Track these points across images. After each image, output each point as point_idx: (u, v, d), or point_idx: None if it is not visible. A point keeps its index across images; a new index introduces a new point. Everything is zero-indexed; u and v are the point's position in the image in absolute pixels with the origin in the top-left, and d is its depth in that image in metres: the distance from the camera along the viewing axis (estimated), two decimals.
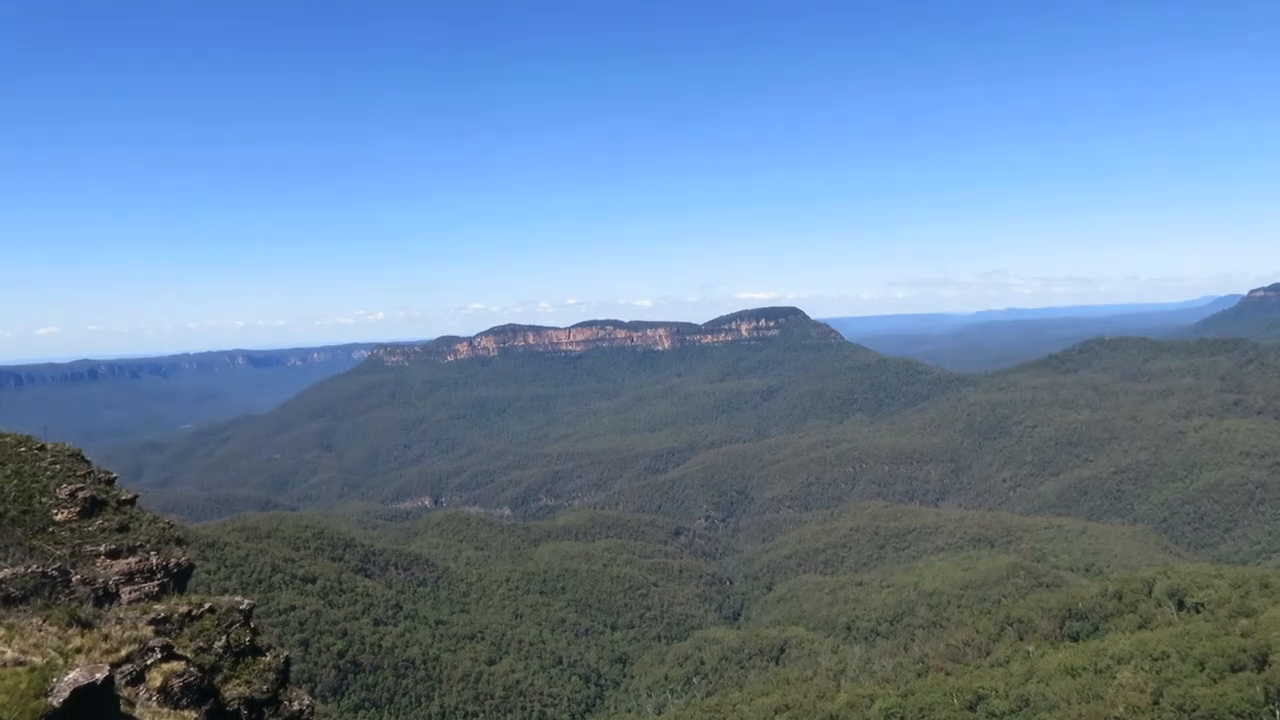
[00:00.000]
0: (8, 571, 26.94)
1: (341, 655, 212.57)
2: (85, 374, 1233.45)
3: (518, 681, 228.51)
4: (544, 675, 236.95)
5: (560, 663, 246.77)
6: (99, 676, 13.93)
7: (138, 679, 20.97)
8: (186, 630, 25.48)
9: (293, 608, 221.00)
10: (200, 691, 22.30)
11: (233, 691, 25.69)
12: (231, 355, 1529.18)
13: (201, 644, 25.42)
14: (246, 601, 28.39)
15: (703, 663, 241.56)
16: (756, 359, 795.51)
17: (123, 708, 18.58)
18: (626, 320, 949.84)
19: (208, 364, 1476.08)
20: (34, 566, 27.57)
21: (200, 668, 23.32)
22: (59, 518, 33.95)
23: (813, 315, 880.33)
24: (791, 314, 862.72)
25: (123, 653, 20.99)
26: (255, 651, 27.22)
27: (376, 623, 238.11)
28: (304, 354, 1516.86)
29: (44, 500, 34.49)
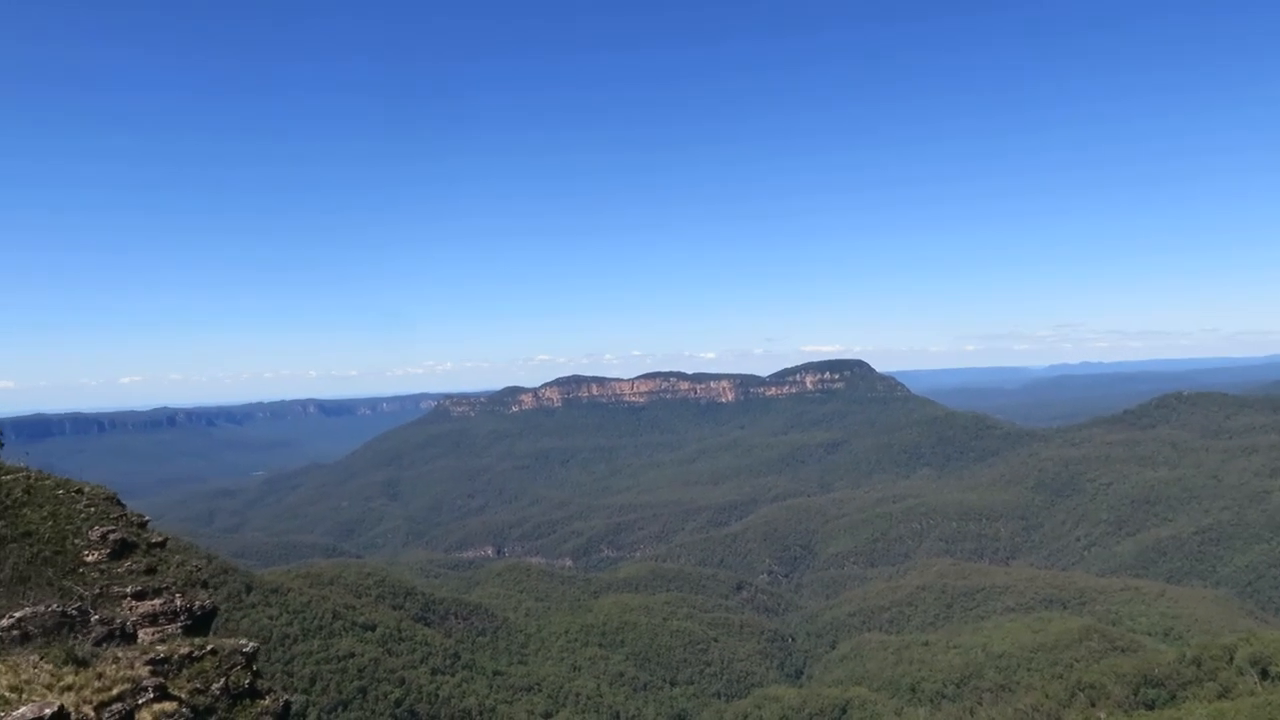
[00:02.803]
0: (28, 610, 27.57)
1: (398, 704, 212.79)
2: (164, 421, 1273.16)
3: None
4: None
5: (617, 717, 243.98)
6: (47, 712, 14.19)
7: (127, 718, 21.25)
8: (185, 671, 25.78)
9: (351, 654, 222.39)
10: None
11: None
12: (304, 404, 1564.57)
13: (198, 685, 25.69)
14: (251, 644, 28.63)
15: None
16: (821, 412, 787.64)
17: None
18: (690, 372, 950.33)
19: (281, 413, 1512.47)
20: (54, 606, 28.18)
21: (194, 709, 23.53)
22: (89, 559, 34.81)
23: (879, 368, 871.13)
24: (857, 366, 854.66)
25: (114, 691, 21.28)
26: (255, 694, 27.41)
27: (434, 672, 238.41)
28: (373, 403, 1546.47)
29: (76, 541, 35.41)
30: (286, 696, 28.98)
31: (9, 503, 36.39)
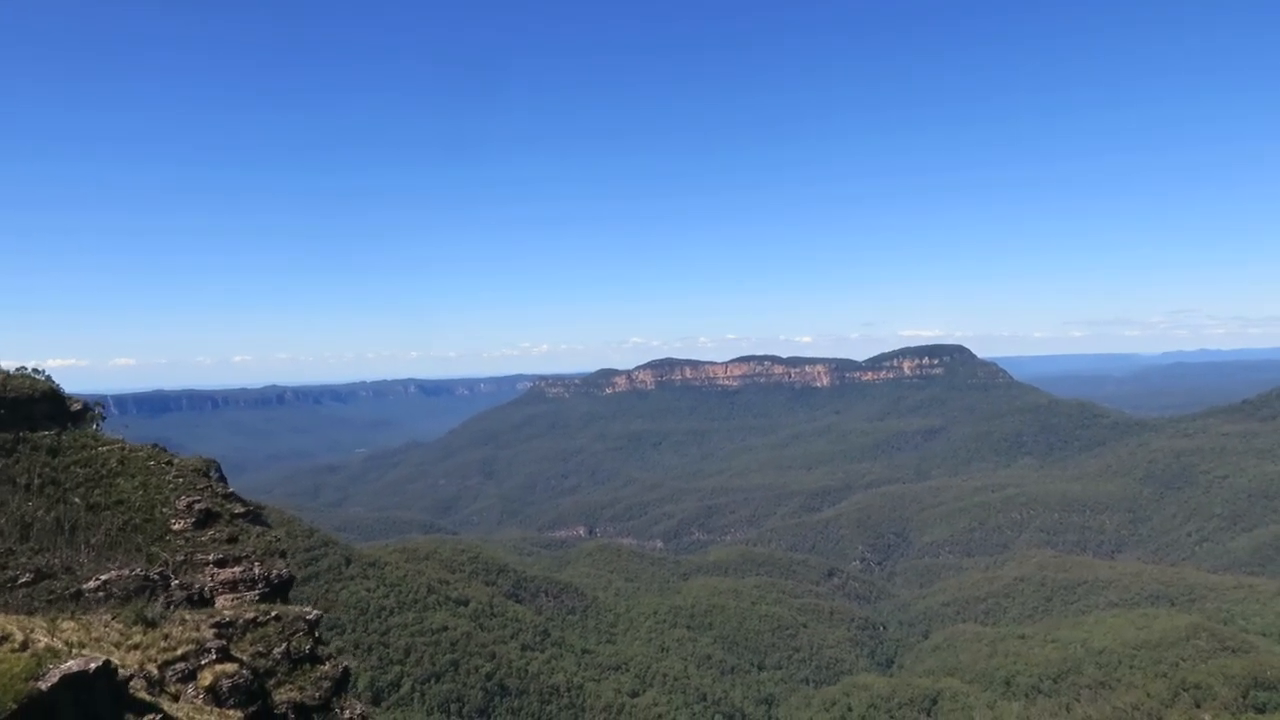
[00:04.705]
0: (114, 573, 29.23)
1: (489, 678, 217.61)
2: (273, 399, 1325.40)
3: (660, 716, 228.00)
4: (687, 711, 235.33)
5: (704, 699, 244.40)
6: (92, 666, 15.00)
7: (189, 677, 22.39)
8: (249, 635, 27.01)
9: (445, 628, 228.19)
10: (249, 693, 23.57)
11: (283, 696, 27.00)
12: (404, 384, 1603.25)
13: (260, 649, 26.91)
14: (314, 612, 29.74)
15: (850, 709, 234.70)
16: (919, 398, 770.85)
17: (167, 704, 19.87)
18: (784, 356, 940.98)
19: (383, 392, 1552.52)
20: (138, 570, 29.78)
21: (254, 671, 24.64)
22: (176, 527, 36.63)
23: (980, 354, 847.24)
24: (957, 352, 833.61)
25: (178, 651, 22.48)
26: (315, 660, 28.50)
27: (524, 648, 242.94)
28: (471, 384, 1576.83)
29: (164, 510, 37.28)
30: (346, 663, 30.07)
31: (104, 472, 38.54)
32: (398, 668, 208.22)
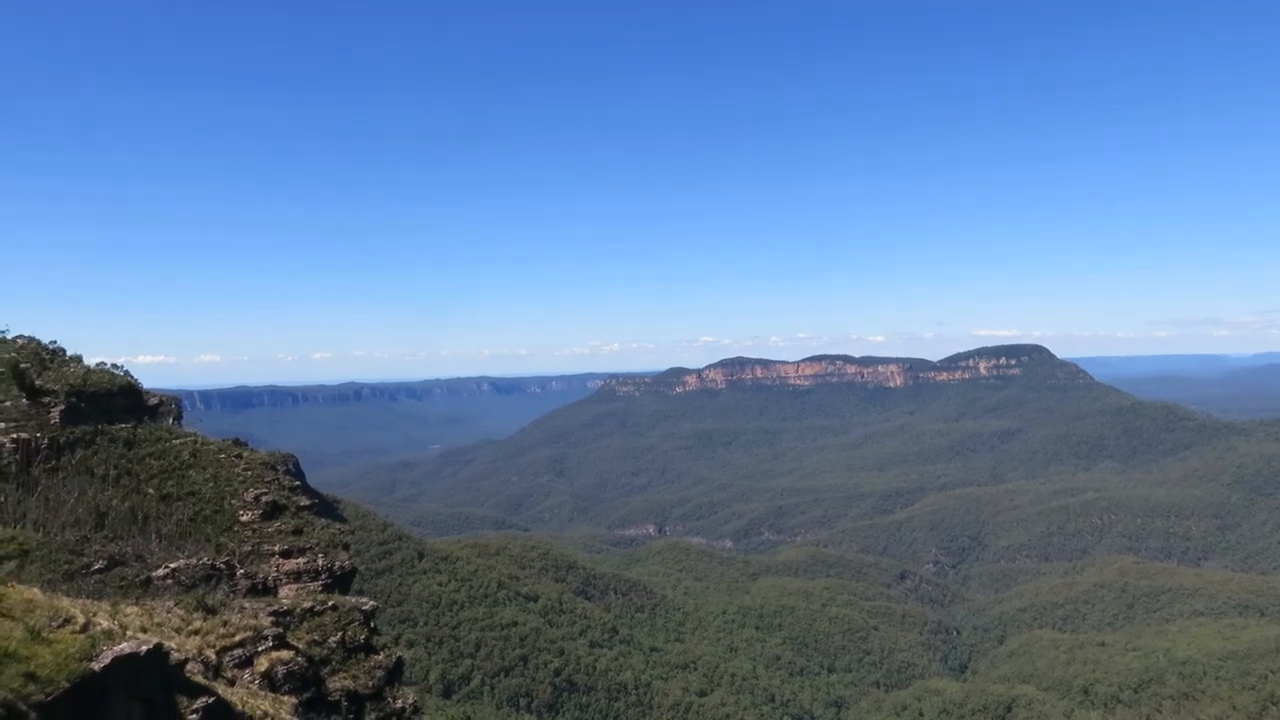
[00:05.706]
0: (182, 562, 30.31)
1: (558, 673, 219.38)
2: (351, 396, 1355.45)
3: (728, 716, 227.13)
4: (755, 712, 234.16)
5: (772, 700, 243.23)
6: (144, 649, 15.62)
7: (246, 663, 23.13)
8: (305, 624, 27.75)
9: (514, 623, 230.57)
10: (303, 680, 24.25)
11: (337, 684, 27.69)
12: (478, 382, 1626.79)
13: (316, 638, 27.61)
14: (370, 603, 30.42)
15: (921, 714, 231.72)
16: (995, 399, 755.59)
17: (223, 688, 20.55)
18: (857, 355, 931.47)
19: (457, 389, 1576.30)
20: (204, 559, 30.83)
21: (309, 659, 25.31)
22: (244, 518, 37.78)
23: (1060, 354, 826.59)
24: (1035, 352, 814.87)
25: (236, 638, 23.25)
26: (369, 650, 29.13)
27: (593, 645, 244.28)
28: (543, 382, 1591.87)
29: (233, 502, 38.48)
30: (400, 653, 30.70)
31: (177, 464, 39.93)
32: (468, 661, 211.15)
